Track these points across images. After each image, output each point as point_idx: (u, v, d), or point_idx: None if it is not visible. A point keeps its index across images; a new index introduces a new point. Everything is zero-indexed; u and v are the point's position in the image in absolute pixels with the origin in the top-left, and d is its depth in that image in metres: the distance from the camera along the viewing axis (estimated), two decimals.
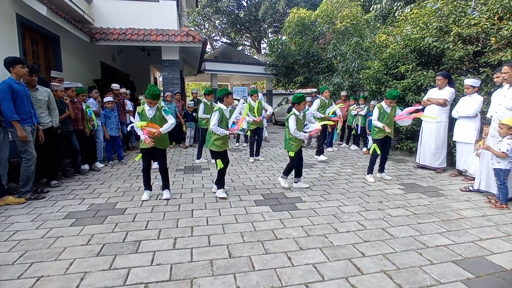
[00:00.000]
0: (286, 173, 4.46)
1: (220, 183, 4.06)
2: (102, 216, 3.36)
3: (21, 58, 3.97)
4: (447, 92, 5.15)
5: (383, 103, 4.79)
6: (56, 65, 6.90)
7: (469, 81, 4.78)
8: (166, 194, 4.01)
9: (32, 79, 4.14)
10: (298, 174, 4.45)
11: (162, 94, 7.22)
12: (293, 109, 4.30)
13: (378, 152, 4.77)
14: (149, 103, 3.81)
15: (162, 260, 2.42)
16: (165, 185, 4.05)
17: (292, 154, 4.30)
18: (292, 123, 4.21)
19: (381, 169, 4.93)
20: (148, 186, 4.04)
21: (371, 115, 7.14)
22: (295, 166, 4.39)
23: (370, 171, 4.86)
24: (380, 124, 4.75)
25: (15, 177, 4.03)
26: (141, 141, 3.83)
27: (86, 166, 5.50)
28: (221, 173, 4.04)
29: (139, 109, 3.88)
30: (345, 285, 2.11)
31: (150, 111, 3.83)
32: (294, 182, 4.47)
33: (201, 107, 6.29)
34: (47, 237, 2.83)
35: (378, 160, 4.90)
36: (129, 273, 2.25)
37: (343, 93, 8.66)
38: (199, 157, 6.29)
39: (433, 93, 5.36)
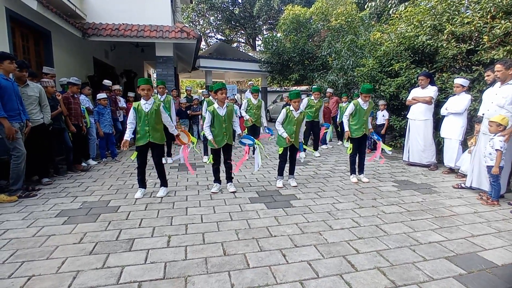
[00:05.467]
0: (279, 172, 4.42)
1: (214, 178, 4.18)
2: (95, 214, 3.32)
3: (9, 53, 3.88)
4: (431, 90, 5.32)
5: (359, 99, 4.58)
6: (47, 61, 6.78)
7: (459, 80, 4.85)
8: (160, 192, 3.98)
9: (23, 74, 4.07)
10: (290, 171, 4.49)
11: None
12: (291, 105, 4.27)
13: (349, 152, 4.65)
14: (144, 95, 3.70)
15: (156, 258, 2.41)
16: (162, 182, 4.05)
17: (280, 150, 4.29)
18: (281, 115, 4.23)
19: (360, 170, 4.74)
20: (142, 184, 3.98)
21: None
22: (285, 163, 4.38)
23: (352, 171, 4.72)
24: (346, 125, 4.65)
25: (5, 175, 3.96)
26: (137, 138, 3.80)
27: (91, 161, 5.70)
28: (213, 169, 4.14)
29: (134, 104, 3.80)
30: (340, 282, 2.12)
31: (146, 106, 3.74)
32: (288, 178, 4.50)
33: (204, 105, 5.86)
34: (39, 236, 2.79)
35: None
36: (122, 271, 2.22)
37: (329, 90, 8.96)
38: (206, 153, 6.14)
39: (416, 92, 5.54)
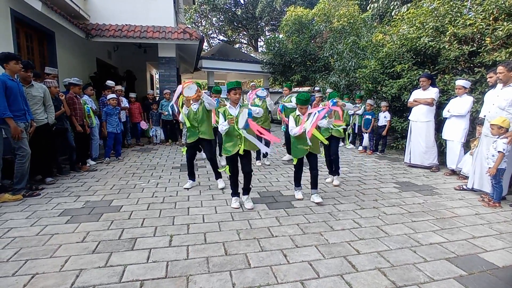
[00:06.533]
0: (296, 184, 3.94)
1: (232, 191, 3.67)
2: (97, 213, 3.35)
3: (15, 54, 3.92)
4: (433, 92, 5.33)
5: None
6: (51, 61, 6.83)
7: (461, 82, 4.86)
8: (220, 183, 4.28)
9: (27, 75, 4.11)
10: (313, 184, 3.78)
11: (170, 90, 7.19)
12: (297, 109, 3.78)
13: (322, 154, 4.42)
14: (194, 100, 4.05)
15: (158, 258, 2.43)
16: (216, 175, 4.33)
17: (295, 161, 3.77)
18: (290, 122, 3.72)
19: (334, 171, 4.54)
20: (192, 176, 4.38)
21: (367, 114, 7.21)
22: (301, 172, 3.91)
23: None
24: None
25: (9, 174, 4.00)
26: (188, 136, 4.22)
27: (90, 161, 5.72)
28: (231, 180, 3.65)
29: (185, 104, 4.21)
30: (340, 282, 2.13)
31: (194, 106, 4.11)
32: (311, 194, 3.83)
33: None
34: (42, 234, 2.82)
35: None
36: (125, 270, 2.25)
37: (329, 90, 8.36)
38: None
39: (418, 94, 5.55)
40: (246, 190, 3.64)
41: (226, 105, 3.68)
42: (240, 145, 3.43)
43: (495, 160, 3.59)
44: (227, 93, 3.61)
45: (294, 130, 3.65)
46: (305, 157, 3.77)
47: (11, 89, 3.71)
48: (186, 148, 4.31)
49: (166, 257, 2.43)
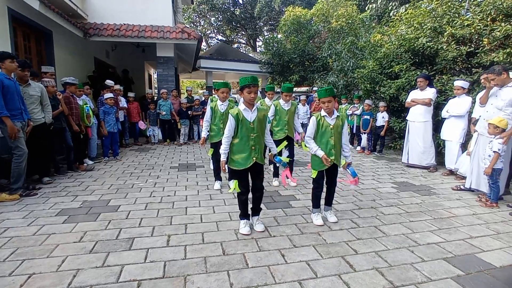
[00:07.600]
0: (315, 204, 3.20)
1: (241, 212, 2.97)
2: (95, 213, 3.34)
3: (9, 52, 3.90)
4: (430, 92, 5.36)
5: (280, 100, 4.33)
6: (49, 60, 6.80)
7: (460, 83, 4.88)
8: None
9: (24, 74, 4.09)
10: (327, 201, 3.27)
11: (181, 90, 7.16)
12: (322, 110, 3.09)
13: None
14: (222, 97, 4.01)
15: (156, 257, 2.42)
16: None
17: (314, 174, 3.14)
18: (310, 126, 3.09)
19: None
20: (219, 176, 4.33)
21: (365, 114, 7.22)
22: (321, 190, 3.17)
23: (275, 174, 4.40)
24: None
25: (6, 174, 3.97)
26: (212, 136, 4.19)
27: (87, 161, 5.66)
28: (240, 200, 2.92)
29: (211, 104, 4.12)
30: (338, 282, 2.13)
31: (222, 106, 4.05)
32: (324, 211, 3.30)
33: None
34: (39, 234, 2.80)
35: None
36: (122, 270, 2.24)
37: (303, 97, 8.68)
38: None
39: (415, 94, 5.58)
40: (257, 211, 3.00)
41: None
42: (255, 157, 2.79)
43: (491, 160, 3.61)
44: (239, 92, 2.87)
45: (313, 147, 3.06)
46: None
47: (8, 88, 3.69)
48: (212, 150, 4.16)
49: (164, 257, 2.43)
